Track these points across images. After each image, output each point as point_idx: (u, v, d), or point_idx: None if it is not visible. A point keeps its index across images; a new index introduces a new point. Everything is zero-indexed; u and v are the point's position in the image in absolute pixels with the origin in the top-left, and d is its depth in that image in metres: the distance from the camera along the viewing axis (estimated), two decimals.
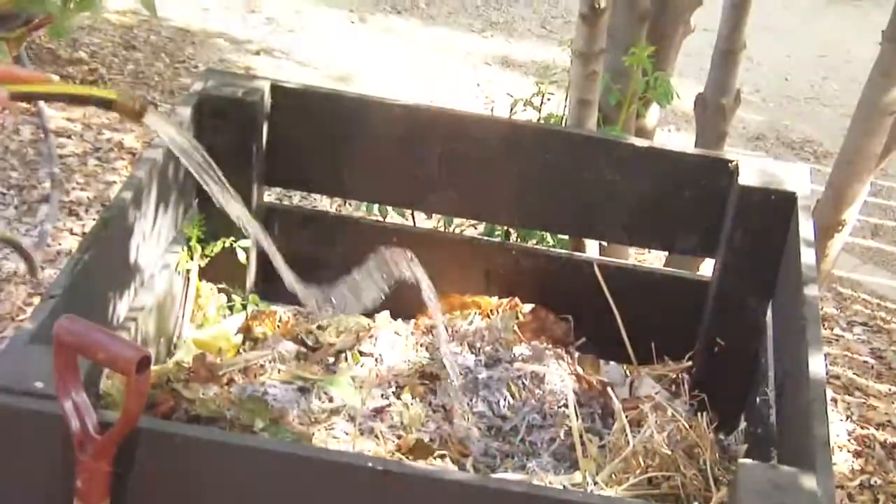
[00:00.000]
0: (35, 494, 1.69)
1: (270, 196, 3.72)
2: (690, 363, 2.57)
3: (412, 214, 3.42)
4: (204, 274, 2.59)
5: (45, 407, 1.63)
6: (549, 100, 3.42)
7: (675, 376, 2.56)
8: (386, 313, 2.65)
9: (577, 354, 2.58)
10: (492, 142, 2.58)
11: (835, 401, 3.83)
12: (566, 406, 2.31)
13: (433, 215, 3.62)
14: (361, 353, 2.48)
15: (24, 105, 1.62)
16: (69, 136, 4.63)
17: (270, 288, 2.73)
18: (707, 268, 2.83)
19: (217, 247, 2.56)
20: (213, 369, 2.35)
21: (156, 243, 2.35)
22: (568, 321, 2.63)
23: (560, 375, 2.41)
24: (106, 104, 1.71)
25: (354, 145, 2.60)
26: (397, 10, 7.05)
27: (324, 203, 4.40)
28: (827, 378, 3.18)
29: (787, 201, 2.36)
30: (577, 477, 2.13)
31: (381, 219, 3.23)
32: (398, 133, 2.58)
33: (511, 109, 3.42)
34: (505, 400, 2.36)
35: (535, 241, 3.26)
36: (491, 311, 2.61)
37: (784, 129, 6.40)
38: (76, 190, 4.26)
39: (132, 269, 2.25)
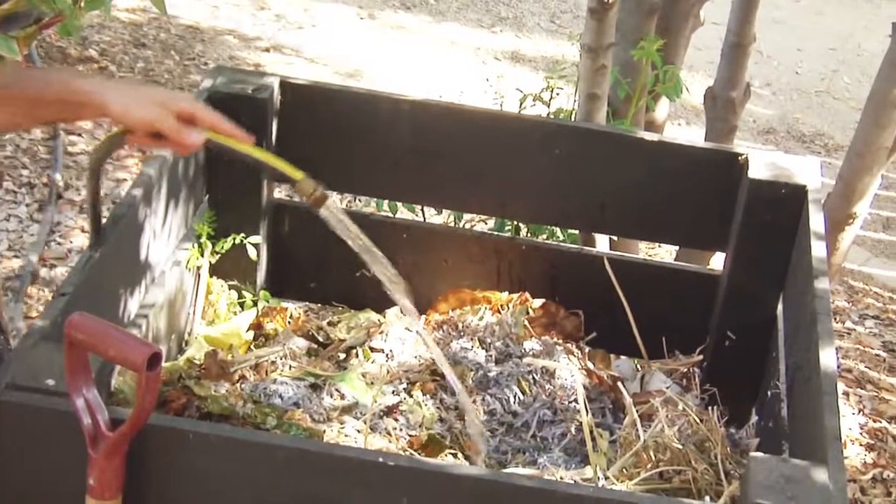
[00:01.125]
0: (47, 491, 1.70)
1: (280, 192, 3.72)
2: (701, 357, 2.57)
3: (422, 210, 3.42)
4: (214, 270, 2.59)
5: (56, 404, 1.63)
6: (558, 94, 3.42)
7: (686, 370, 2.56)
8: (396, 309, 2.65)
9: (587, 349, 2.58)
10: (501, 137, 2.57)
11: (846, 394, 3.82)
12: (577, 401, 2.31)
13: (443, 211, 3.62)
14: (372, 350, 2.48)
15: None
16: (79, 134, 4.63)
17: (281, 284, 2.74)
18: (718, 261, 2.82)
19: (227, 243, 2.56)
20: (224, 366, 2.36)
21: (166, 240, 2.35)
22: (578, 316, 2.62)
23: (570, 370, 2.41)
24: (290, 181, 1.88)
25: (364, 141, 2.60)
26: (406, 6, 7.05)
27: (334, 199, 4.39)
28: (838, 371, 3.17)
29: (797, 195, 2.36)
30: (588, 472, 2.13)
31: (391, 214, 3.23)
32: (407, 129, 2.58)
33: (520, 104, 3.41)
34: (515, 396, 2.36)
35: (545, 236, 3.25)
36: (501, 306, 2.61)
37: (794, 123, 6.38)
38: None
39: (143, 265, 2.25)
